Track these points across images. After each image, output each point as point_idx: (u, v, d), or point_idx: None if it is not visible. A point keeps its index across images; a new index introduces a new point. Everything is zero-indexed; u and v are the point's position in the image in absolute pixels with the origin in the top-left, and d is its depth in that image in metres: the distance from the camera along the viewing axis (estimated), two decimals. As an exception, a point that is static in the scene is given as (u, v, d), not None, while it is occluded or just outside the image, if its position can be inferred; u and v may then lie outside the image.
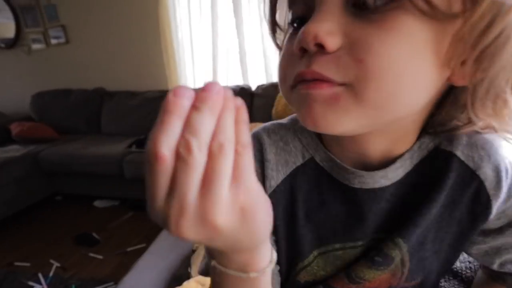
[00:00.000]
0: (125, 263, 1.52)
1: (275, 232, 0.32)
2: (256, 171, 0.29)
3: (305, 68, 0.23)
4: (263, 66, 2.38)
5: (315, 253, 0.33)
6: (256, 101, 2.30)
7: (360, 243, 0.32)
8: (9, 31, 2.80)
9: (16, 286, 1.47)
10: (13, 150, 2.29)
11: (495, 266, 0.33)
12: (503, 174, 0.29)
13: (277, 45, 0.32)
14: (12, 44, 2.84)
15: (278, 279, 0.34)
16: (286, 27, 0.28)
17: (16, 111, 2.88)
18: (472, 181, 0.29)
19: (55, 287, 1.44)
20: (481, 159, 0.29)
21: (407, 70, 0.21)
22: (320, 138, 0.32)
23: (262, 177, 0.32)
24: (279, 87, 0.28)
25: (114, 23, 2.59)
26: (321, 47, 0.21)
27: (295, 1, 0.25)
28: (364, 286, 0.32)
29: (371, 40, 0.20)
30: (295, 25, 0.26)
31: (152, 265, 0.84)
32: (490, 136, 0.29)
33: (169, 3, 2.36)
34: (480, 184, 0.29)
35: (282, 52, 0.27)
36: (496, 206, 0.30)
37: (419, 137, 0.30)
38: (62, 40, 2.74)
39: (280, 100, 2.06)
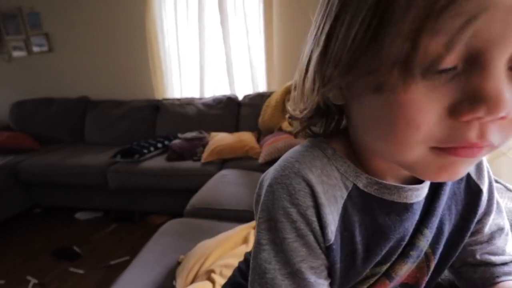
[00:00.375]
0: (108, 278, 1.47)
1: (331, 273, 0.31)
2: (309, 219, 0.28)
3: (479, 140, 0.21)
4: (249, 76, 2.41)
5: (365, 272, 0.33)
6: (243, 111, 2.32)
7: (402, 244, 0.33)
8: (-11, 38, 2.73)
9: (-10, 305, 1.39)
10: (-10, 161, 2.20)
11: (477, 257, 0.37)
12: (483, 164, 0.35)
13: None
14: (-9, 51, 2.76)
15: None
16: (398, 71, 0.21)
17: (-6, 121, 2.78)
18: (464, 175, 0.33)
19: (32, 305, 1.37)
20: None
21: None
22: (350, 158, 0.31)
23: (320, 224, 0.28)
24: (402, 140, 0.23)
25: (99, 32, 2.57)
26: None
27: (451, 46, 0.19)
28: (397, 281, 0.34)
29: None
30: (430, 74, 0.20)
31: (137, 279, 0.82)
32: None
33: (156, 12, 2.38)
34: (469, 177, 0.35)
35: (411, 103, 0.21)
36: (485, 192, 0.35)
37: None
38: (45, 48, 2.69)
39: (266, 110, 2.09)
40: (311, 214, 0.28)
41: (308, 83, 0.28)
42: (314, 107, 0.29)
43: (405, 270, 0.33)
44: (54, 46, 2.69)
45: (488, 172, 0.36)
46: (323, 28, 0.25)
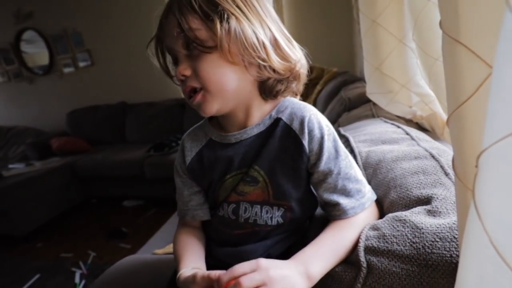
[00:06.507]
0: (148, 250, 1.75)
1: (200, 185, 0.56)
2: (182, 153, 0.56)
3: (185, 86, 0.47)
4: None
5: (219, 183, 0.53)
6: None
7: (239, 171, 0.51)
8: (44, 59, 3.22)
9: (62, 272, 1.76)
10: (54, 162, 2.65)
11: (323, 196, 0.49)
12: (305, 124, 0.48)
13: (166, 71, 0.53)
14: (47, 70, 3.26)
15: (207, 205, 0.56)
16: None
17: (54, 128, 3.30)
18: (290, 132, 0.49)
19: (93, 272, 1.71)
20: (292, 119, 0.49)
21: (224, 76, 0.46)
22: (216, 124, 0.55)
23: (183, 158, 0.55)
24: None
25: (131, 44, 2.89)
26: (185, 75, 0.46)
27: (173, 58, 0.49)
28: (246, 198, 0.51)
29: (200, 67, 0.45)
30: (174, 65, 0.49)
31: (160, 238, 1.05)
32: (300, 105, 0.50)
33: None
34: (294, 133, 0.48)
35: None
36: (306, 143, 0.48)
37: (266, 114, 0.51)
38: (89, 62, 3.10)
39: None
40: (181, 151, 0.56)
41: None
42: None
43: (248, 190, 0.50)
44: (95, 60, 3.09)
45: (317, 130, 0.48)
46: None
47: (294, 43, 0.50)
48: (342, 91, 1.44)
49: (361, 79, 1.61)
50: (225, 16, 0.42)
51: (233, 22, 0.43)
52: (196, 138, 0.55)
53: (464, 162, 0.30)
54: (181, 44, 0.45)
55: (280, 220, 0.50)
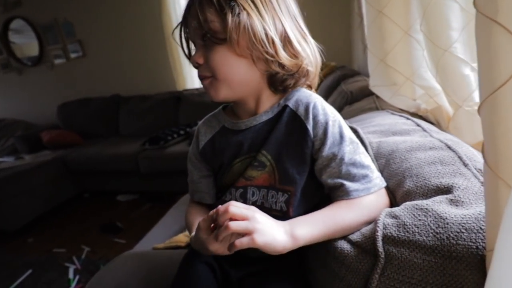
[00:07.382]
0: (144, 245, 1.72)
1: (212, 168, 0.60)
2: (196, 138, 0.60)
3: (199, 73, 0.51)
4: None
5: (228, 167, 0.55)
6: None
7: (247, 156, 0.53)
8: (34, 50, 3.12)
9: (56, 267, 1.72)
10: (45, 155, 2.59)
11: (327, 181, 0.49)
12: (310, 110, 0.50)
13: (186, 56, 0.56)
14: (37, 61, 3.16)
15: (213, 191, 0.61)
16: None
17: (45, 121, 3.21)
18: (296, 118, 0.51)
19: (87, 267, 1.68)
20: (298, 106, 0.52)
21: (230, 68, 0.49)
22: (230, 112, 0.59)
23: (198, 141, 0.60)
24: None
25: (124, 35, 2.82)
26: (198, 63, 0.50)
27: (195, 46, 0.52)
28: (254, 182, 0.53)
29: (210, 57, 0.48)
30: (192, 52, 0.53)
31: (159, 233, 1.02)
32: (306, 93, 0.53)
33: (171, 9, 2.55)
34: (300, 118, 0.50)
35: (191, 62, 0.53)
36: (310, 128, 0.49)
37: (275, 103, 0.54)
38: (80, 53, 3.02)
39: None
40: (196, 137, 0.60)
41: None
42: None
43: (256, 175, 0.52)
44: (87, 51, 3.01)
45: (321, 116, 0.49)
46: None
47: (309, 39, 0.52)
48: (342, 84, 1.43)
49: (360, 74, 1.60)
50: (237, 10, 0.44)
51: (244, 16, 0.44)
52: (210, 125, 0.59)
53: (496, 151, 0.29)
54: (198, 34, 0.48)
55: (284, 206, 0.51)
